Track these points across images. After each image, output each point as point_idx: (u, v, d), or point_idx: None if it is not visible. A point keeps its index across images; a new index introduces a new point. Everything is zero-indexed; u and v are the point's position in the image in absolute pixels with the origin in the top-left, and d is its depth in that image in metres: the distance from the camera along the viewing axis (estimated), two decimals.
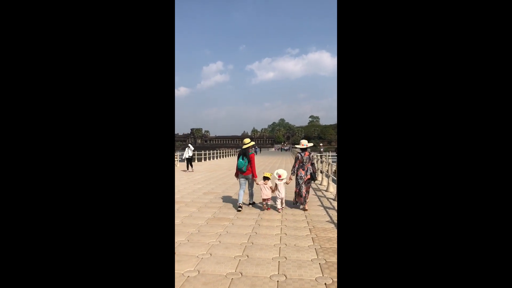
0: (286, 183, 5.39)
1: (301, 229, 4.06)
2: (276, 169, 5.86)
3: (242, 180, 5.38)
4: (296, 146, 5.79)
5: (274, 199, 5.40)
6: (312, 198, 6.32)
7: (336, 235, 3.77)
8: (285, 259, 2.98)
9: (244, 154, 5.29)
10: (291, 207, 5.43)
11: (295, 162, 5.44)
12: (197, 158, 19.66)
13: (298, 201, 5.37)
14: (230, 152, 30.09)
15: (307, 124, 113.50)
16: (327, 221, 4.47)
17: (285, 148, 57.60)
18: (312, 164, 5.35)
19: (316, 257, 3.03)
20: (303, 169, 5.29)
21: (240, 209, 5.17)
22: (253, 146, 5.61)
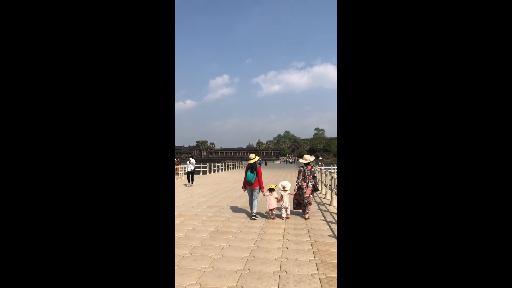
0: (290, 194, 5.83)
1: (303, 243, 4.09)
2: (280, 181, 6.15)
3: (250, 191, 5.82)
4: (300, 160, 6.42)
5: (279, 208, 5.92)
6: (315, 212, 6.35)
7: (336, 250, 3.79)
8: (285, 273, 3.03)
9: (253, 167, 5.75)
10: (294, 216, 5.88)
11: (298, 175, 5.96)
12: (201, 170, 19.72)
13: (300, 209, 5.85)
14: (235, 165, 30.17)
15: (312, 136, 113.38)
16: (329, 235, 4.49)
17: (290, 160, 57.43)
18: (314, 177, 5.87)
19: (317, 271, 3.07)
20: (305, 182, 5.77)
21: (253, 218, 5.59)
22: (258, 159, 6.04)
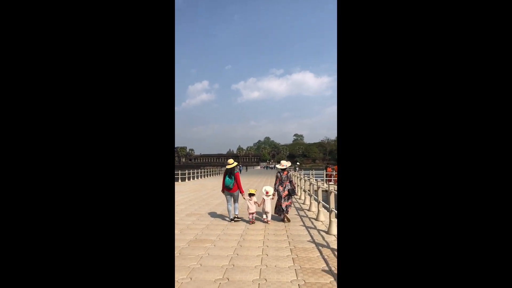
0: (272, 198, 6.07)
1: (282, 249, 4.10)
2: (261, 187, 6.34)
3: (229, 196, 6.01)
4: (277, 166, 6.56)
5: (259, 213, 6.21)
6: (294, 218, 6.41)
7: (315, 255, 3.84)
8: (265, 281, 3.01)
9: (231, 173, 5.94)
10: (274, 221, 6.06)
11: (276, 180, 6.27)
12: (180, 177, 19.34)
13: (278, 214, 6.08)
14: (215, 171, 29.87)
15: (291, 142, 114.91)
16: (308, 241, 4.54)
17: (271, 166, 57.71)
18: (290, 182, 6.22)
19: (296, 278, 3.08)
20: (282, 186, 6.11)
21: (236, 219, 5.97)
22: (237, 165, 6.24)
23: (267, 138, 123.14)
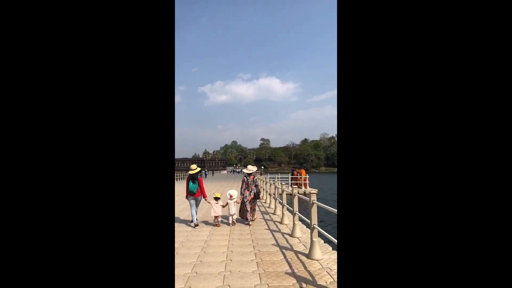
0: (236, 202, 6.21)
1: (247, 254, 4.09)
2: (227, 191, 6.38)
3: (192, 201, 6.00)
4: (244, 170, 6.69)
5: (225, 216, 6.27)
6: (259, 221, 6.45)
7: (279, 258, 3.88)
8: (228, 287, 2.97)
9: (194, 178, 5.97)
10: (240, 225, 6.15)
11: (242, 184, 6.35)
12: None
13: (244, 218, 6.19)
14: (180, 176, 29.00)
15: (258, 146, 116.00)
16: (273, 244, 4.58)
17: (237, 170, 57.46)
18: (256, 186, 6.36)
19: (259, 282, 3.09)
20: (248, 190, 6.22)
21: (197, 225, 5.92)
22: (200, 170, 6.30)
23: (234, 142, 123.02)
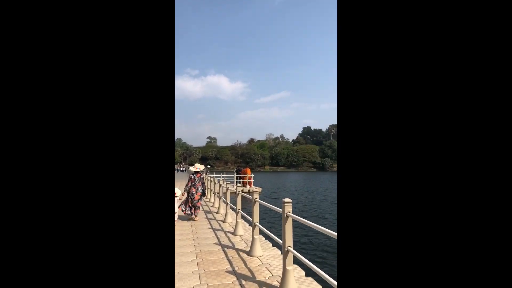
0: (179, 199, 6.48)
1: (187, 254, 3.99)
2: None
3: None
4: (191, 168, 6.97)
5: None
6: (202, 221, 6.37)
7: (221, 257, 3.88)
8: None
9: None
10: (183, 221, 6.41)
11: (188, 181, 6.56)
12: None
13: (188, 213, 6.39)
14: None
15: (204, 144, 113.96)
16: (214, 243, 4.55)
17: (181, 169, 55.25)
18: (203, 183, 6.65)
19: (199, 282, 3.04)
20: (195, 187, 6.43)
21: None
22: None
23: (179, 140, 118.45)
